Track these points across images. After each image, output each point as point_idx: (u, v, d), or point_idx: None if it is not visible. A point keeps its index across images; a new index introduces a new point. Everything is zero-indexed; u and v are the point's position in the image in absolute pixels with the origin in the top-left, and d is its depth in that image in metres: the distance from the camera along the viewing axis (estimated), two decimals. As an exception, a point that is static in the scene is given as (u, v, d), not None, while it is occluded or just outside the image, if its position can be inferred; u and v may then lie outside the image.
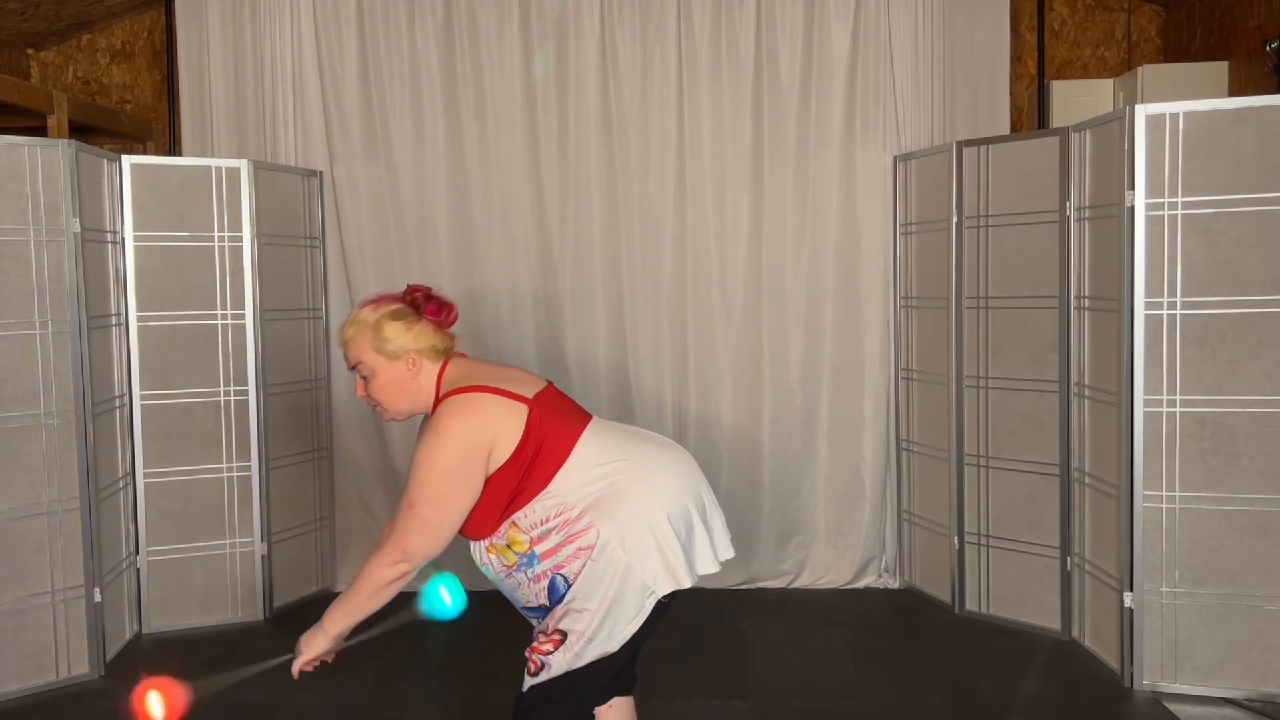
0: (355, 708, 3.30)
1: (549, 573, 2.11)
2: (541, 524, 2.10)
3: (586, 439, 2.16)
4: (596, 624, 2.08)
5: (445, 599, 2.33)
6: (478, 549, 2.21)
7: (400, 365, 2.18)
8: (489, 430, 2.08)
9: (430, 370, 2.22)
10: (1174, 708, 3.19)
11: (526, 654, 2.17)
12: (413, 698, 3.36)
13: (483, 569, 2.23)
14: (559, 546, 2.09)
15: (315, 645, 2.23)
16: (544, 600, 2.13)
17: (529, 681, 2.15)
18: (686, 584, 2.12)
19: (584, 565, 2.08)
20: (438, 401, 2.17)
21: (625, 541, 2.08)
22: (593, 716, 2.29)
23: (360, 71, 4.40)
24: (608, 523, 2.08)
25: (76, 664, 3.50)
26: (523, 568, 2.13)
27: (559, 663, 2.10)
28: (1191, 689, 3.27)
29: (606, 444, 2.16)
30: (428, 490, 2.13)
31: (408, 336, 2.19)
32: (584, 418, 2.22)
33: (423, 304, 2.23)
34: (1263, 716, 3.12)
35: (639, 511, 2.10)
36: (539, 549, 2.11)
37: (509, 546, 2.14)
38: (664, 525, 2.11)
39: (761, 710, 3.24)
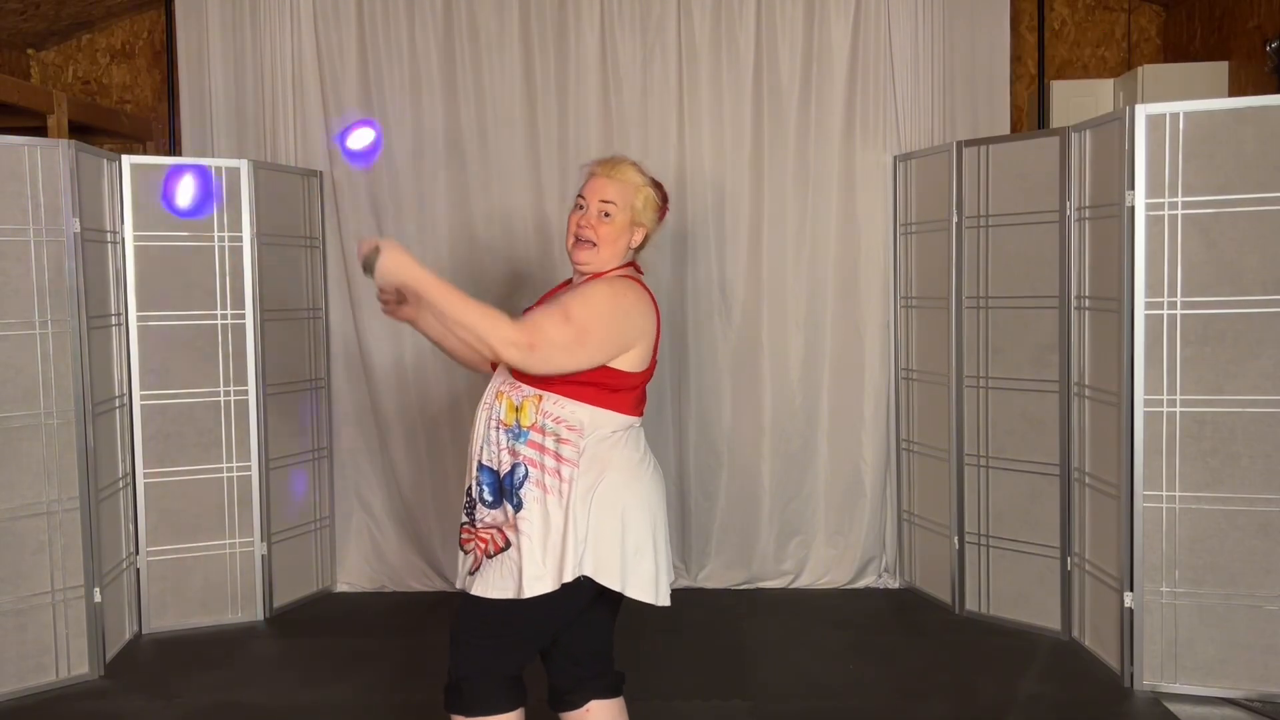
0: (355, 708, 3.30)
1: (520, 458, 2.18)
2: (554, 422, 2.17)
3: (637, 421, 2.31)
4: (532, 555, 2.15)
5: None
6: (496, 386, 2.25)
7: (630, 230, 2.29)
8: (644, 335, 2.24)
9: (625, 255, 2.32)
10: (1174, 708, 3.19)
11: (470, 536, 2.27)
12: (413, 698, 3.35)
13: (481, 408, 2.25)
14: (541, 450, 2.18)
15: (401, 267, 2.13)
16: (502, 468, 2.20)
17: (482, 582, 2.23)
18: (624, 592, 2.19)
19: (539, 485, 2.17)
20: (619, 274, 2.30)
21: (590, 509, 2.16)
22: (522, 690, 2.28)
23: (360, 71, 4.40)
24: (585, 479, 2.17)
25: (76, 664, 3.50)
26: (510, 435, 2.19)
27: (499, 571, 2.19)
28: (1191, 689, 3.27)
29: (641, 439, 2.32)
30: (592, 321, 2.18)
31: (649, 215, 2.32)
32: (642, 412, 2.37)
33: (663, 203, 2.36)
34: (1263, 716, 3.12)
35: (623, 498, 2.19)
36: (532, 435, 2.18)
37: (518, 409, 2.19)
38: (639, 527, 2.20)
39: (761, 710, 3.24)
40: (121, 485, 3.83)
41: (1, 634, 3.35)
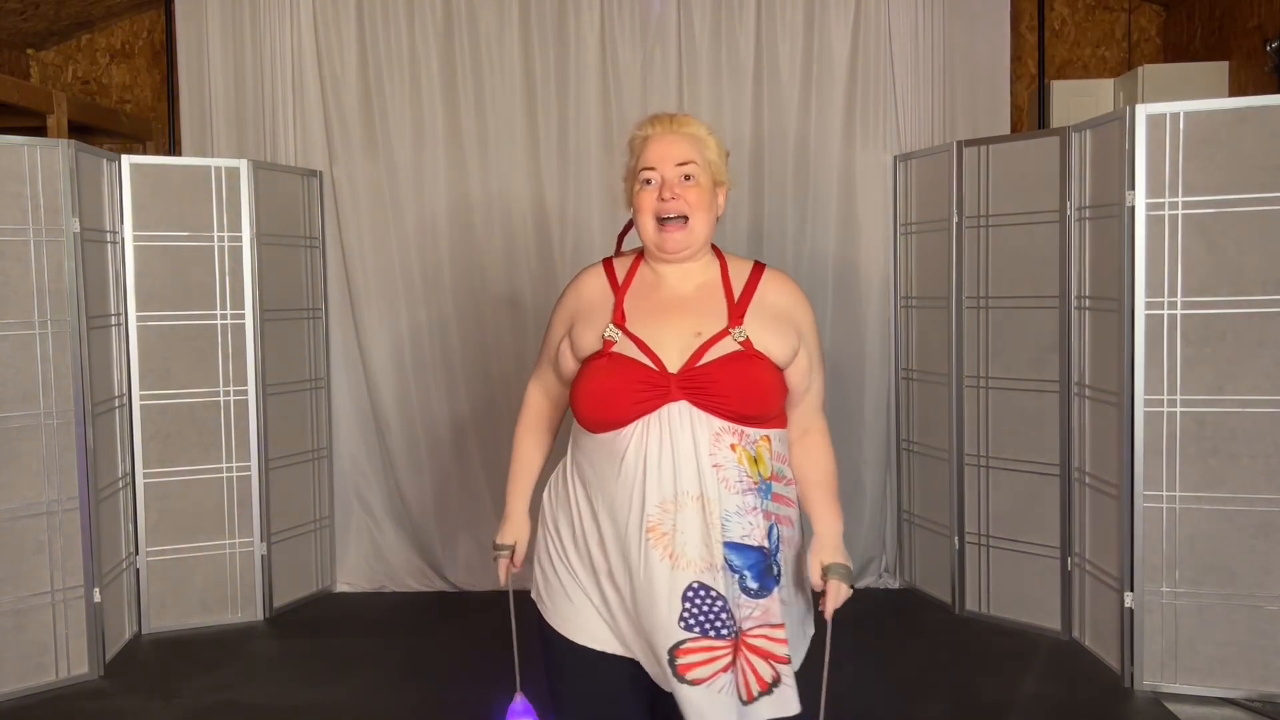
0: (355, 708, 3.30)
1: (772, 516, 1.80)
2: (781, 462, 1.85)
3: None
4: (806, 620, 1.90)
5: None
6: (717, 441, 1.75)
7: (714, 193, 1.89)
8: None
9: (714, 227, 1.92)
10: (1174, 708, 3.19)
11: (725, 650, 1.73)
12: (413, 698, 3.35)
13: (704, 470, 1.73)
14: (782, 501, 1.84)
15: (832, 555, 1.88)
16: (761, 540, 1.76)
17: (789, 696, 1.78)
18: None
19: (789, 544, 1.85)
20: (723, 258, 1.93)
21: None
22: None
23: (360, 71, 4.40)
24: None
25: (76, 664, 3.50)
26: (760, 492, 1.78)
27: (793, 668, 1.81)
28: (1192, 689, 3.27)
29: None
30: (821, 353, 1.94)
31: (725, 168, 1.93)
32: None
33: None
34: (1263, 717, 3.12)
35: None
36: (775, 486, 1.82)
37: (756, 459, 1.79)
38: None
39: (761, 710, 3.23)
40: (121, 485, 3.83)
41: (1, 634, 3.35)
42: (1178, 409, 3.26)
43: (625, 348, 1.80)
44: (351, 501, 4.51)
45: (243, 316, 4.01)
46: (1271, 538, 3.19)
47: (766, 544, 1.76)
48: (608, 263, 1.96)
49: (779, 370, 1.81)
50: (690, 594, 1.72)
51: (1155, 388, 3.27)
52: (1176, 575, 3.28)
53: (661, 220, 1.83)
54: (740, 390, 1.75)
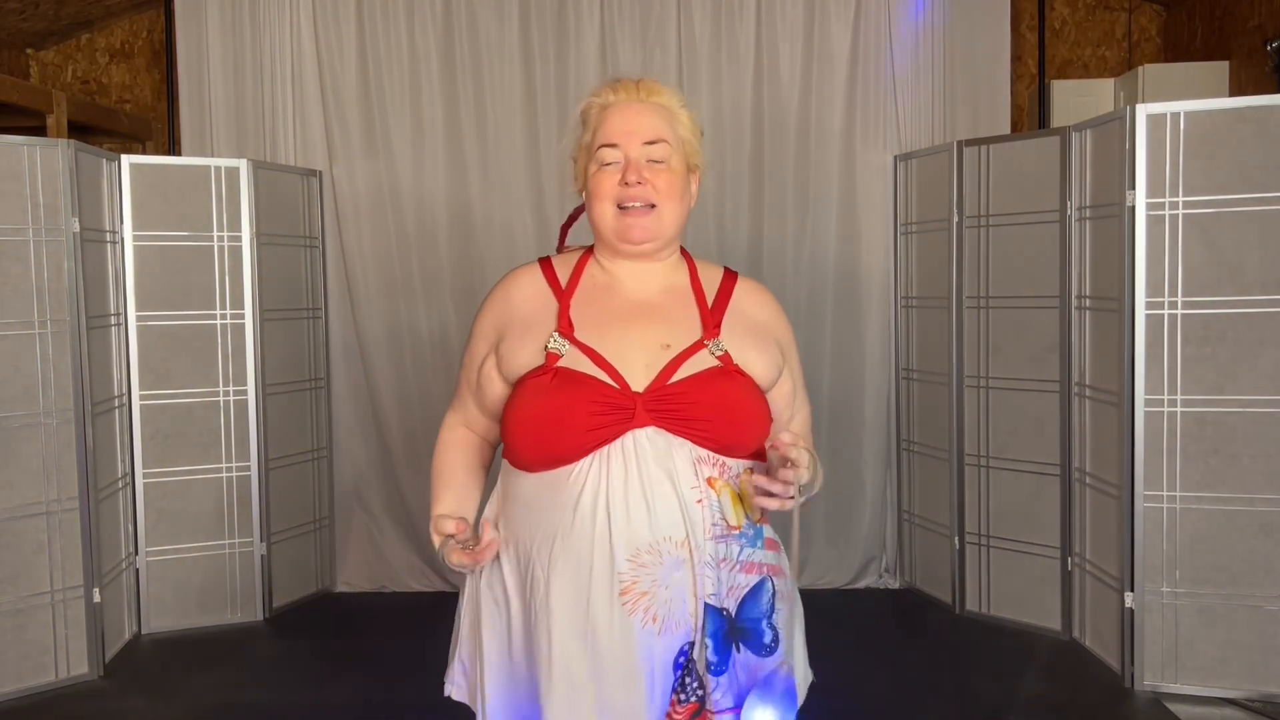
0: (355, 708, 3.29)
1: (763, 568, 1.50)
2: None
3: None
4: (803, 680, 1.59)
5: None
6: (695, 472, 1.45)
7: (687, 179, 1.59)
8: None
9: (687, 215, 1.61)
10: (1174, 708, 3.19)
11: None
12: (413, 698, 3.35)
13: (689, 508, 1.44)
14: (775, 543, 1.57)
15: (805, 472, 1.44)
16: (735, 596, 1.46)
17: None
18: None
19: (785, 599, 1.54)
20: (691, 260, 1.64)
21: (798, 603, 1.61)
22: None
23: (360, 71, 4.40)
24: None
25: (76, 664, 3.50)
26: (745, 540, 1.48)
27: None
28: (1192, 689, 3.27)
29: None
30: (802, 375, 1.69)
31: (699, 149, 1.62)
32: None
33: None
34: (1263, 717, 3.12)
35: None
36: (766, 529, 1.54)
37: (741, 496, 1.47)
38: None
39: (762, 710, 3.23)
40: (121, 485, 3.82)
41: (1, 634, 3.34)
42: (1178, 409, 3.25)
43: (575, 361, 1.47)
44: (351, 501, 4.51)
45: (242, 316, 4.01)
46: (1272, 538, 3.18)
47: (733, 606, 1.45)
48: (545, 262, 1.63)
49: (761, 393, 1.53)
50: (684, 660, 1.42)
51: (1155, 388, 3.27)
52: (1177, 575, 3.28)
53: (625, 205, 1.52)
54: (723, 412, 1.45)
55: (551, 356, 1.47)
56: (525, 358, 1.50)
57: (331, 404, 4.47)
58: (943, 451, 4.11)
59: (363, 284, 4.41)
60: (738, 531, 1.46)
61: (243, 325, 4.01)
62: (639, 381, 1.46)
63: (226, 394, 4.01)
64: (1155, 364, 3.26)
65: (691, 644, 1.42)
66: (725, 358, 1.50)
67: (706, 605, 1.42)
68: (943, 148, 4.08)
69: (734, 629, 1.45)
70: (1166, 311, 3.25)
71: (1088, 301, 3.62)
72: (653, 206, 1.52)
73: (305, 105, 4.42)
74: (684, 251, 1.64)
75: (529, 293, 1.59)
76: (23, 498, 3.37)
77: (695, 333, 1.52)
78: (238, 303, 4.00)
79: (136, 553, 3.90)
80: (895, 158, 4.36)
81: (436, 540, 1.55)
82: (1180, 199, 3.22)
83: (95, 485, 3.53)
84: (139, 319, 3.86)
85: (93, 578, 3.51)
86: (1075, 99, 4.53)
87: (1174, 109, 3.22)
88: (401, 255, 4.41)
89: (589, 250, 1.63)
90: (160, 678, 3.55)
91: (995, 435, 3.95)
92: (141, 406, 3.88)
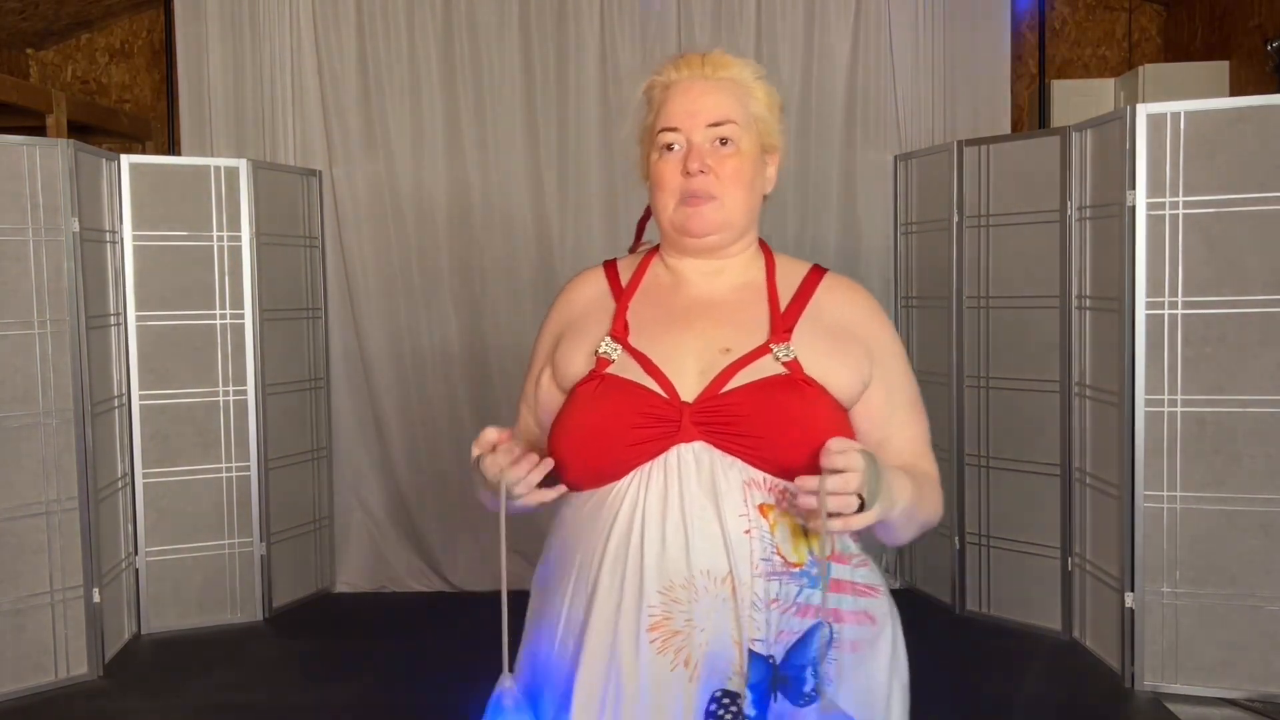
0: (355, 708, 3.29)
1: (826, 616, 1.25)
2: (850, 536, 1.33)
3: None
4: None
5: None
6: (745, 497, 1.26)
7: (762, 162, 1.42)
8: None
9: (758, 208, 1.44)
10: (1175, 708, 3.19)
11: None
12: (413, 698, 3.35)
13: (733, 539, 1.24)
14: (858, 588, 1.33)
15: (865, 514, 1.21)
16: (783, 641, 1.25)
17: None
18: None
19: (854, 647, 1.30)
20: (770, 254, 1.47)
21: (900, 663, 1.38)
22: None
23: (359, 71, 4.40)
24: (893, 611, 1.38)
25: (75, 664, 3.49)
26: (807, 579, 1.26)
27: None
28: (1192, 689, 3.26)
29: None
30: (917, 391, 1.44)
31: (779, 126, 1.44)
32: None
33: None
34: (1263, 717, 3.11)
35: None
36: (841, 569, 1.32)
37: (806, 532, 1.26)
38: None
39: (762, 711, 3.23)
40: (120, 485, 3.82)
41: (0, 634, 3.34)
42: (1178, 409, 3.25)
43: (624, 367, 1.33)
44: (351, 501, 4.51)
45: (242, 316, 4.01)
46: (1273, 538, 3.18)
47: (779, 654, 1.24)
48: (610, 264, 1.50)
49: (839, 406, 1.32)
50: (716, 708, 1.23)
51: (1156, 387, 3.26)
52: (1177, 575, 3.27)
53: (692, 194, 1.36)
54: (781, 428, 1.25)
55: (601, 362, 1.34)
56: (578, 365, 1.37)
57: (331, 404, 4.47)
58: (943, 451, 4.11)
59: (362, 284, 4.40)
60: (798, 570, 1.24)
61: (242, 325, 4.01)
62: (690, 390, 1.29)
63: (226, 394, 4.01)
64: (1155, 364, 3.26)
65: (725, 692, 1.22)
66: (793, 365, 1.31)
67: (751, 653, 1.22)
68: (943, 147, 4.07)
69: (777, 678, 1.24)
70: (1167, 311, 3.24)
71: (1088, 301, 3.61)
72: (714, 198, 1.36)
73: (305, 105, 4.42)
74: (763, 244, 1.48)
75: (590, 294, 1.45)
76: (22, 498, 3.37)
77: (761, 335, 1.34)
78: (237, 303, 4.00)
79: (136, 553, 3.90)
80: (895, 158, 4.35)
81: (475, 452, 1.32)
82: (1180, 199, 3.21)
83: (95, 485, 3.53)
84: (139, 319, 3.86)
85: (92, 578, 3.51)
86: (1075, 99, 4.53)
87: (1174, 109, 3.22)
88: (401, 255, 4.41)
89: (656, 247, 1.47)
90: (160, 678, 3.54)
91: (995, 435, 3.95)
92: (141, 406, 3.87)
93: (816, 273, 1.44)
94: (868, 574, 1.35)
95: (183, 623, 3.98)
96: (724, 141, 1.35)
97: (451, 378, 4.42)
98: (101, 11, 4.75)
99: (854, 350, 1.35)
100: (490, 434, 1.29)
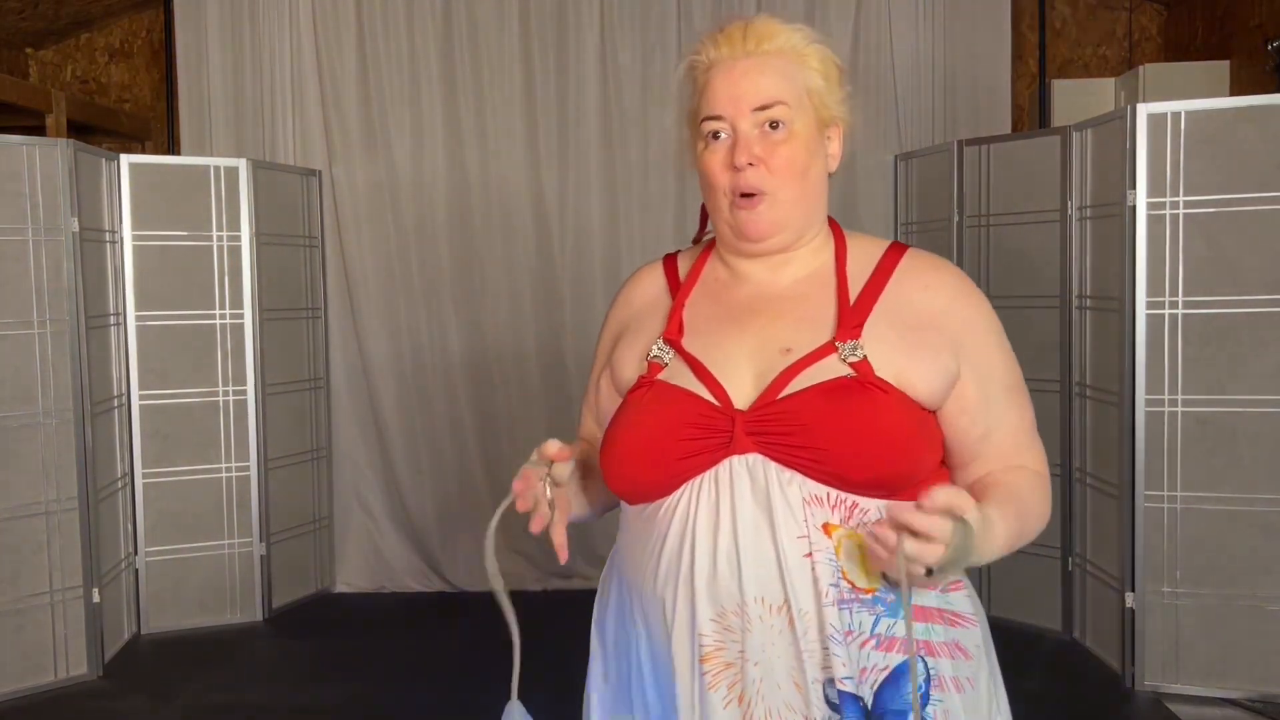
0: (355, 708, 3.29)
1: (919, 646, 1.16)
2: None
3: None
4: None
5: None
6: (805, 515, 1.12)
7: (822, 142, 1.25)
8: None
9: (824, 192, 1.28)
10: (1175, 708, 3.18)
11: None
12: (413, 699, 3.35)
13: (790, 564, 1.12)
14: (947, 616, 1.21)
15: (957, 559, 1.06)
16: (871, 682, 1.13)
17: None
18: None
19: (954, 685, 1.21)
20: (841, 235, 1.30)
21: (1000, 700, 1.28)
22: None
23: (359, 70, 4.40)
24: (988, 645, 1.28)
25: (75, 664, 3.49)
26: (884, 607, 1.14)
27: None
28: (1193, 689, 3.26)
29: None
30: (1018, 373, 1.32)
31: (839, 96, 1.26)
32: None
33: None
34: (1263, 717, 3.11)
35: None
36: (925, 596, 1.19)
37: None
38: None
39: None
40: (120, 485, 3.82)
41: (0, 634, 3.34)
42: (1179, 409, 3.25)
43: (676, 373, 1.21)
44: (351, 501, 4.51)
45: (242, 316, 4.01)
46: (1273, 538, 3.18)
47: (867, 693, 1.11)
48: (669, 258, 1.37)
49: (918, 410, 1.18)
50: None
51: (1156, 387, 3.26)
52: (1177, 575, 3.27)
53: (741, 194, 1.21)
54: (846, 437, 1.12)
55: (653, 367, 1.23)
56: (631, 369, 1.26)
57: (331, 404, 4.47)
58: (943, 451, 4.11)
59: (362, 284, 4.40)
60: (870, 596, 1.11)
61: (242, 325, 4.01)
62: (745, 396, 1.16)
63: (226, 394, 4.01)
64: (1156, 364, 3.26)
65: None
66: (863, 365, 1.16)
67: (841, 693, 1.09)
68: (943, 147, 4.07)
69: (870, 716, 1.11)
70: (1167, 311, 3.24)
71: (1088, 301, 3.61)
72: (763, 193, 1.21)
73: (305, 105, 4.42)
74: (834, 224, 1.30)
75: (648, 292, 1.33)
76: (22, 498, 3.37)
77: (827, 332, 1.19)
78: (237, 303, 4.00)
79: (136, 553, 3.90)
80: (896, 157, 4.35)
81: (534, 458, 1.19)
82: (1181, 198, 3.21)
83: (95, 485, 3.53)
84: (138, 319, 3.86)
85: (92, 578, 3.51)
86: (1076, 98, 4.52)
87: (1174, 108, 3.21)
88: (401, 255, 4.41)
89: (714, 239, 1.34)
90: (160, 678, 3.54)
91: (995, 435, 3.94)
92: (141, 406, 3.87)
93: (895, 252, 1.27)
94: (960, 599, 1.23)
95: (182, 623, 3.98)
96: (774, 125, 1.20)
97: (451, 377, 4.42)
98: (101, 11, 4.75)
99: (936, 343, 1.21)
100: (550, 448, 1.17)
